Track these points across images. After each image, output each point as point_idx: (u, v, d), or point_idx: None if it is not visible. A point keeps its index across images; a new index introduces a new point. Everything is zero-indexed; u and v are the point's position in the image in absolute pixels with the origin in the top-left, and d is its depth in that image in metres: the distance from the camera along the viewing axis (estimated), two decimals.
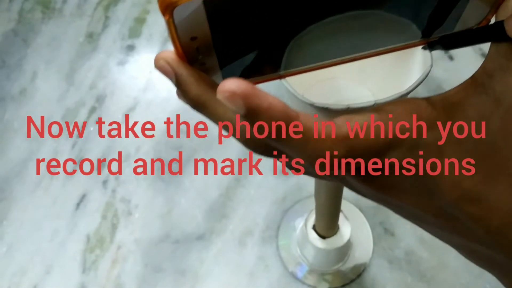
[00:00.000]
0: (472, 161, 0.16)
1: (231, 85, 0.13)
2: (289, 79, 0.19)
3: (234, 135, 0.17)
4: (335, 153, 0.15)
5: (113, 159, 0.55)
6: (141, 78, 0.60)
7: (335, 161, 0.15)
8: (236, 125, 0.16)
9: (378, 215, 0.50)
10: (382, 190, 0.17)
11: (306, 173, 0.18)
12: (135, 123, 0.57)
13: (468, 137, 0.16)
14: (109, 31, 0.63)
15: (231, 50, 0.17)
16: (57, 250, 0.51)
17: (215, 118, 0.16)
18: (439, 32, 0.18)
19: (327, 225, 0.41)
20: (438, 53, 0.59)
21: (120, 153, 0.55)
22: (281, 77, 0.18)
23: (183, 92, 0.16)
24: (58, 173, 0.55)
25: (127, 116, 0.58)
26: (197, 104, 0.16)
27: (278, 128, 0.14)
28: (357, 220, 0.49)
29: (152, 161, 0.55)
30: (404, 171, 0.16)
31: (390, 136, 0.15)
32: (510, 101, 0.15)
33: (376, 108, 0.16)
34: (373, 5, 0.16)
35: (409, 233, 0.48)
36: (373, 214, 0.50)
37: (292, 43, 0.17)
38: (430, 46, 0.19)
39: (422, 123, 0.16)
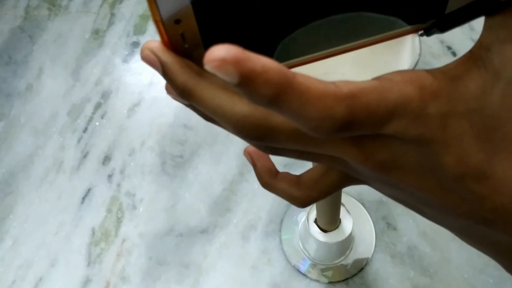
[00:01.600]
0: (477, 136, 0.15)
1: (220, 51, 0.12)
2: None
3: (223, 121, 0.16)
4: (336, 113, 0.14)
5: (118, 154, 0.56)
6: (146, 74, 0.61)
7: (336, 122, 0.14)
8: (225, 111, 0.15)
9: (381, 209, 0.50)
10: (383, 169, 0.16)
11: (301, 156, 0.18)
12: (140, 118, 0.58)
13: (470, 111, 0.15)
14: (115, 28, 0.63)
15: (218, 39, 0.16)
16: (62, 244, 0.51)
17: (202, 105, 0.16)
18: (430, 18, 0.18)
19: (329, 219, 0.41)
20: (440, 49, 0.59)
21: (125, 148, 0.56)
22: None
23: (169, 81, 0.16)
24: (63, 167, 0.55)
25: (132, 112, 0.58)
26: (183, 92, 0.16)
27: (276, 91, 0.13)
28: (359, 214, 0.49)
29: (157, 155, 0.55)
30: (407, 145, 0.15)
31: (392, 103, 0.14)
32: (510, 74, 0.15)
33: (376, 77, 0.16)
34: (359, 7, 0.16)
35: (411, 228, 0.49)
36: (375, 209, 0.50)
37: (281, 45, 0.16)
38: (426, 31, 0.18)
39: (424, 93, 0.15)
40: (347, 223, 0.43)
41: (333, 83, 0.14)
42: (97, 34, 0.63)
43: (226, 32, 0.16)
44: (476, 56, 0.16)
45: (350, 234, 0.43)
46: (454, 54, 0.58)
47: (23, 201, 0.54)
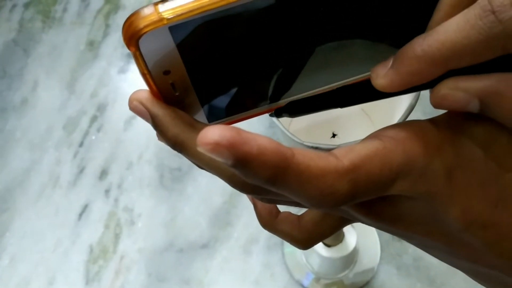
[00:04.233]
0: (482, 184, 0.15)
1: (213, 134, 0.12)
2: None
3: (217, 175, 0.15)
4: (338, 190, 0.13)
5: (115, 168, 0.55)
6: (142, 86, 0.60)
7: (339, 197, 0.13)
8: (220, 167, 0.15)
9: None
10: (389, 222, 0.16)
11: (301, 205, 0.17)
12: (137, 130, 0.57)
13: (476, 159, 0.15)
14: (110, 39, 0.63)
15: (211, 85, 0.15)
16: (60, 261, 0.50)
17: (195, 159, 0.15)
18: None
19: None
20: None
21: (122, 162, 0.55)
22: (270, 110, 0.17)
23: (160, 133, 0.15)
24: (60, 183, 0.54)
25: (128, 124, 0.57)
26: (175, 145, 0.15)
27: (273, 173, 0.12)
28: (364, 226, 0.48)
29: (155, 168, 0.54)
30: (412, 201, 0.15)
31: (396, 166, 0.14)
32: None
33: (377, 134, 0.15)
34: (352, 35, 0.15)
35: None
36: None
37: (275, 75, 0.16)
38: (276, 113, 0.17)
39: (428, 148, 0.14)
40: (351, 237, 0.42)
41: (334, 154, 0.14)
42: (92, 46, 0.62)
43: (216, 72, 0.15)
44: None
45: (354, 248, 0.42)
46: None
47: (20, 217, 0.53)
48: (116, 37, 0.63)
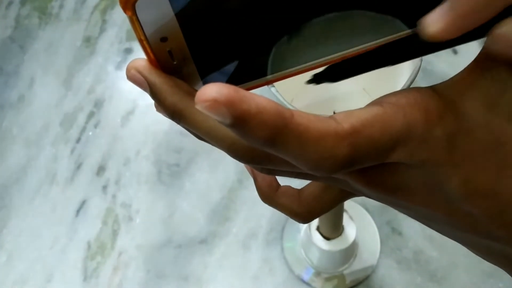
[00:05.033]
0: (483, 152, 0.14)
1: (211, 91, 0.11)
2: (278, 83, 0.18)
3: (216, 144, 0.15)
4: (337, 153, 0.13)
5: (113, 164, 0.54)
6: None
7: (338, 161, 0.13)
8: (218, 134, 0.15)
9: (385, 214, 0.48)
10: (389, 192, 0.16)
11: (299, 176, 0.17)
12: (135, 126, 0.56)
13: (478, 127, 0.14)
14: (106, 35, 0.62)
15: (209, 55, 0.15)
16: (57, 258, 0.50)
17: (194, 128, 0.15)
18: None
19: (331, 226, 0.40)
20: None
21: (119, 158, 0.54)
22: (268, 82, 0.17)
23: (158, 102, 0.15)
24: (57, 179, 0.54)
25: (126, 120, 0.57)
26: (173, 114, 0.15)
27: (272, 133, 0.12)
28: (363, 220, 0.47)
29: (152, 164, 0.54)
30: (412, 170, 0.15)
31: (396, 131, 0.14)
32: None
33: (378, 101, 0.15)
34: (354, 5, 0.15)
35: (417, 232, 0.47)
36: (379, 214, 0.48)
37: (277, 45, 0.15)
38: (316, 79, 0.17)
39: (429, 115, 0.14)
40: (350, 230, 0.41)
41: (334, 118, 0.13)
42: (89, 42, 0.62)
43: (216, 43, 0.15)
44: (481, 66, 0.15)
45: (354, 241, 0.42)
46: (455, 51, 0.57)
47: (16, 214, 0.53)
48: (113, 33, 0.62)
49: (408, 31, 0.16)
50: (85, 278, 0.48)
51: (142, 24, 0.13)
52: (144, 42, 0.14)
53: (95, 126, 0.57)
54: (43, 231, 0.51)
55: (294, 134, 0.12)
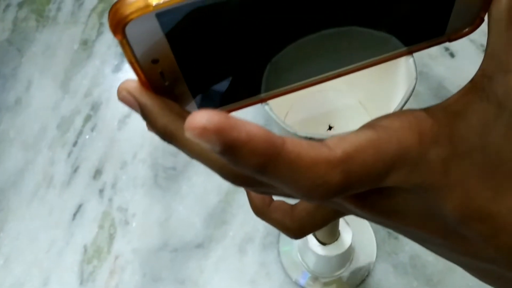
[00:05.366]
0: (480, 176, 0.14)
1: (201, 119, 0.11)
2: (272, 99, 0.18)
3: (207, 166, 0.15)
4: (330, 180, 0.13)
5: (109, 167, 0.54)
6: None
7: (331, 189, 0.13)
8: (209, 157, 0.14)
9: None
10: (383, 215, 0.15)
11: (293, 197, 0.16)
12: (131, 129, 0.56)
13: (473, 149, 0.14)
14: (104, 38, 0.62)
15: (201, 75, 0.15)
16: (54, 262, 0.50)
17: (185, 150, 0.15)
18: (426, 38, 0.16)
19: (327, 231, 0.40)
20: (437, 50, 0.58)
21: (116, 161, 0.54)
22: (262, 100, 0.16)
23: (149, 123, 0.15)
24: (54, 182, 0.54)
25: (122, 123, 0.57)
26: (165, 135, 0.15)
27: (263, 161, 0.12)
28: (359, 223, 0.47)
29: (149, 168, 0.54)
30: (407, 193, 0.15)
31: (390, 156, 0.14)
32: None
33: (371, 124, 0.14)
34: (349, 22, 0.15)
35: None
36: None
37: (271, 63, 0.15)
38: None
39: (424, 138, 0.14)
40: (346, 235, 0.41)
41: (326, 144, 0.13)
42: (86, 45, 0.62)
43: (207, 63, 0.14)
44: (478, 87, 0.15)
45: (350, 246, 0.42)
46: (452, 55, 0.57)
47: (13, 218, 0.52)
48: (110, 36, 0.62)
49: (404, 49, 0.16)
50: (82, 281, 0.48)
51: (133, 47, 0.13)
52: (135, 65, 0.14)
53: (92, 129, 0.57)
54: (40, 234, 0.51)
55: (286, 162, 0.12)
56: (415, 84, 0.20)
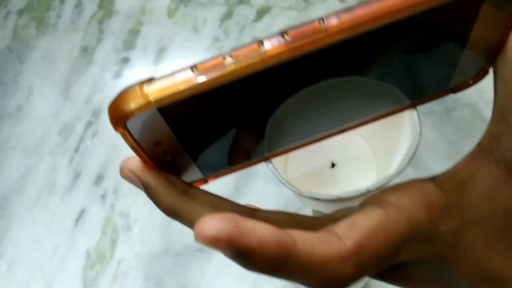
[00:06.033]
0: (489, 240, 0.14)
1: (210, 228, 0.11)
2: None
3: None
4: (343, 274, 0.13)
5: (111, 173, 0.55)
6: None
7: (345, 281, 0.13)
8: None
9: None
10: (395, 281, 0.16)
11: None
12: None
13: (482, 215, 0.14)
14: (104, 44, 0.63)
15: (203, 147, 0.15)
16: (57, 267, 0.50)
17: (191, 226, 0.15)
18: (430, 92, 0.16)
19: None
20: None
21: (117, 167, 0.55)
22: (265, 159, 0.17)
23: (154, 202, 0.15)
24: (56, 189, 0.54)
25: None
26: (170, 214, 0.15)
27: (275, 266, 0.12)
28: None
29: None
30: (419, 264, 0.15)
31: (401, 236, 0.14)
32: None
33: (379, 201, 0.15)
34: (349, 72, 0.14)
35: None
36: None
37: (271, 122, 0.15)
38: None
39: (433, 213, 0.14)
40: None
41: (336, 234, 0.13)
42: (86, 52, 0.62)
43: (209, 137, 0.15)
44: (485, 150, 0.15)
45: None
46: None
47: (16, 224, 0.53)
48: (109, 43, 0.63)
49: (408, 103, 0.16)
50: (85, 287, 0.49)
51: (134, 136, 0.13)
52: (137, 149, 0.14)
53: (93, 135, 0.57)
54: (43, 240, 0.52)
55: (298, 264, 0.12)
56: (419, 140, 0.20)
